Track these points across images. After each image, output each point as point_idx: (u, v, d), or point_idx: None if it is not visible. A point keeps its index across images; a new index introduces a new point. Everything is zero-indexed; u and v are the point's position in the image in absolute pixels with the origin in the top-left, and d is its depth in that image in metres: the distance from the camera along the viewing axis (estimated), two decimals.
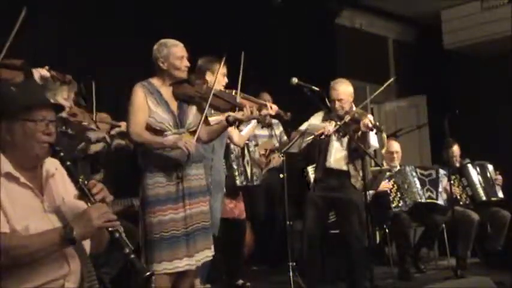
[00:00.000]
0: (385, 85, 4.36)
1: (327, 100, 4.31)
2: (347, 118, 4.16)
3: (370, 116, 4.22)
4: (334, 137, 4.29)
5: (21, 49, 3.20)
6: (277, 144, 5.24)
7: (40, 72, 3.23)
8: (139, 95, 3.30)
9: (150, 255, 3.20)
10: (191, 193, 3.33)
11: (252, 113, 3.45)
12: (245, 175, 4.37)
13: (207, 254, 3.38)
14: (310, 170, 5.29)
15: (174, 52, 3.36)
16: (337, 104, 4.32)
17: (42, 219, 1.91)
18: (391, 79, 4.68)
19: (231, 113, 3.49)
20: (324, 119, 4.36)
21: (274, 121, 5.58)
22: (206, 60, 4.03)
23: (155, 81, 3.39)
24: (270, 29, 6.39)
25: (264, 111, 3.58)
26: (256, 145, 5.01)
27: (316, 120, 4.43)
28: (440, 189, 5.37)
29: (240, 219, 4.50)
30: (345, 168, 4.30)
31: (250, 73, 3.62)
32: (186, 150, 3.19)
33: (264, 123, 4.85)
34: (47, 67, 3.31)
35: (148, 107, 3.29)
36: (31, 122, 1.94)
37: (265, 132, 5.48)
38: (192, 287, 3.55)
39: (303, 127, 4.39)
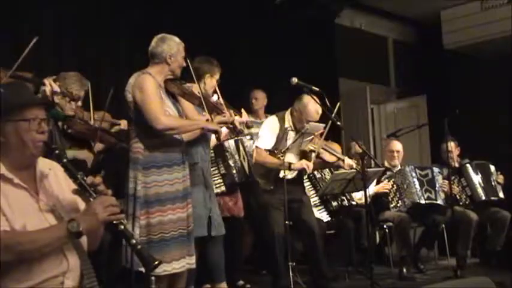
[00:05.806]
0: None
1: (327, 100, 4.31)
2: None
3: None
4: None
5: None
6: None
7: (51, 86, 3.26)
8: (153, 84, 3.21)
9: (159, 255, 3.03)
10: (188, 193, 3.34)
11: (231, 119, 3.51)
12: (242, 171, 4.32)
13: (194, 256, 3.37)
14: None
15: (182, 51, 3.36)
16: None
17: (38, 219, 1.92)
18: None
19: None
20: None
21: None
22: (205, 62, 3.90)
23: (155, 74, 3.29)
24: (270, 29, 6.39)
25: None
26: (251, 139, 4.90)
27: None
28: (437, 188, 5.36)
29: (238, 218, 4.43)
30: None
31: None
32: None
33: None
34: (58, 83, 3.35)
35: (160, 97, 3.24)
36: (24, 122, 1.94)
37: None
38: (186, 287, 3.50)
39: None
